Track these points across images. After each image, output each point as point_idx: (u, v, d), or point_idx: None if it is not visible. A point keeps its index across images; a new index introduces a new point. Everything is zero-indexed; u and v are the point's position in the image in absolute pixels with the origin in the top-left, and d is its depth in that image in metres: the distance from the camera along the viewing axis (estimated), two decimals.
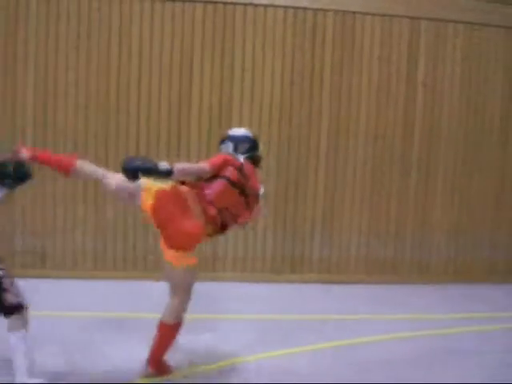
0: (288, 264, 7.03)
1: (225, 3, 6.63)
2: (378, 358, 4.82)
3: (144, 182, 4.07)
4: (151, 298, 6.09)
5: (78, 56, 6.57)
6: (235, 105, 6.76)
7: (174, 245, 4.04)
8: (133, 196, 4.14)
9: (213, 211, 4.09)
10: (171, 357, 4.34)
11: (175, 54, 6.66)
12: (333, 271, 7.09)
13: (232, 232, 6.73)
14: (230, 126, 6.61)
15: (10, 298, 3.85)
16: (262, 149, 4.61)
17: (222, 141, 4.57)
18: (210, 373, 4.44)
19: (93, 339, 4.94)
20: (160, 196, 4.08)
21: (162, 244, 4.12)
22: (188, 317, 4.30)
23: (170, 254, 4.06)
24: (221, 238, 6.78)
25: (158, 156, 6.61)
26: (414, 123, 7.13)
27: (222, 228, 4.24)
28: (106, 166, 6.46)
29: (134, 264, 6.81)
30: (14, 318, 3.86)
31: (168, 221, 4.04)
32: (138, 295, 6.21)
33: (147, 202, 4.08)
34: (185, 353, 4.69)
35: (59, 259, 6.73)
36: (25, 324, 3.88)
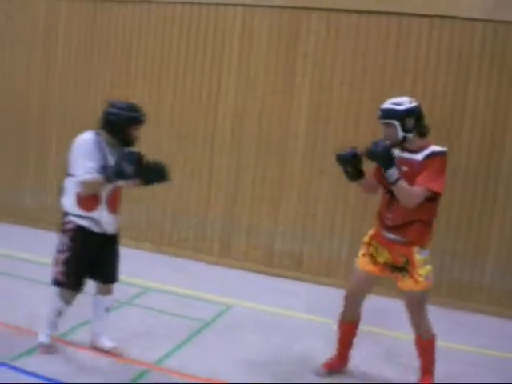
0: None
1: (507, 22, 6.30)
2: None
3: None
4: (396, 316, 6.11)
5: (354, 70, 6.77)
6: (509, 130, 6.38)
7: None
8: None
9: None
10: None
11: (451, 73, 6.51)
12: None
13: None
14: (500, 157, 6.41)
15: (54, 272, 4.26)
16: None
17: (382, 118, 4.13)
18: None
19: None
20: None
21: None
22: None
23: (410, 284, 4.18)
24: None
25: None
26: None
27: None
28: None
29: (385, 280, 6.80)
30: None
31: None
32: (381, 312, 6.22)
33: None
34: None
35: (315, 264, 7.01)
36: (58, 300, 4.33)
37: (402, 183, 3.94)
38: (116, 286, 6.13)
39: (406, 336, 4.80)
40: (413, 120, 4.08)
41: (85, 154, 4.13)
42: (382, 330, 5.59)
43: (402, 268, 4.15)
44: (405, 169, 4.06)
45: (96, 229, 4.22)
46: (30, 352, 4.35)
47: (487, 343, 5.56)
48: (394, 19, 6.60)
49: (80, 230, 4.18)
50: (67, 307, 4.41)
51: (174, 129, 7.48)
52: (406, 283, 4.15)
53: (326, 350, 4.76)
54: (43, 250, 7.03)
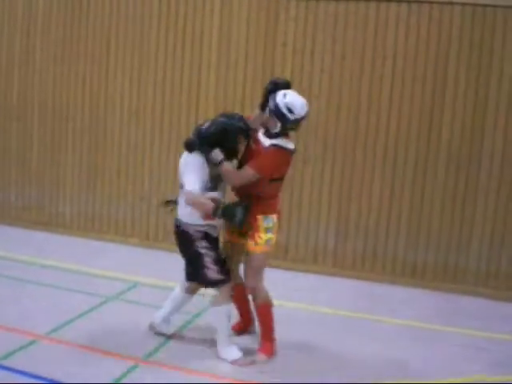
0: None
1: (484, 5, 6.32)
2: None
3: None
4: (386, 301, 6.16)
5: (333, 58, 6.78)
6: (490, 113, 6.42)
7: None
8: None
9: None
10: None
11: (430, 58, 6.53)
12: None
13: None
14: (482, 139, 6.46)
15: (210, 274, 4.37)
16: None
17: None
18: None
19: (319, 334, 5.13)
20: None
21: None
22: None
23: None
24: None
25: (406, 164, 6.60)
26: None
27: None
28: (354, 162, 6.75)
29: (372, 265, 6.85)
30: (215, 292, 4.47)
31: None
32: (372, 297, 6.28)
33: None
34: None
35: (301, 253, 7.03)
36: (225, 300, 4.42)
37: (226, 165, 4.32)
38: (103, 282, 6.18)
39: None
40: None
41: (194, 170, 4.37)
42: None
43: (246, 233, 4.49)
44: (253, 146, 4.46)
45: (214, 234, 4.50)
46: (18, 350, 4.34)
47: (475, 324, 5.63)
48: (372, 5, 6.58)
49: (206, 234, 4.43)
50: (232, 305, 4.56)
51: (156, 123, 7.45)
52: (248, 245, 4.49)
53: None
54: (27, 249, 7.04)
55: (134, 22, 7.42)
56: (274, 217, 4.53)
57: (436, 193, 6.59)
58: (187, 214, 4.39)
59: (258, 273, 4.53)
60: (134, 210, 7.62)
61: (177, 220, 4.53)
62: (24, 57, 7.96)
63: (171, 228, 7.06)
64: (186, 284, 4.70)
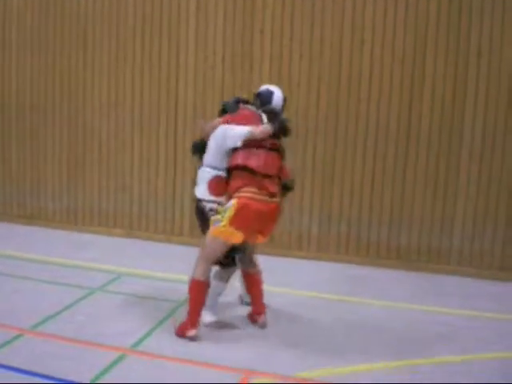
0: None
1: None
2: None
3: None
4: (372, 284, 6.19)
5: (312, 43, 6.76)
6: (469, 95, 6.44)
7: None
8: None
9: None
10: None
11: (408, 42, 6.53)
12: None
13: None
14: (462, 120, 6.48)
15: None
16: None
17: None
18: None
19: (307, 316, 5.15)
20: None
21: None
22: None
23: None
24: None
25: (387, 147, 6.62)
26: None
27: None
28: (335, 148, 6.76)
29: (356, 249, 6.88)
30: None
31: None
32: (357, 280, 6.31)
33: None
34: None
35: (286, 239, 7.04)
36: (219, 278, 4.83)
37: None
38: (87, 274, 6.15)
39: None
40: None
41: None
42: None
43: None
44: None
45: None
46: (3, 345, 4.31)
47: (459, 304, 5.68)
48: None
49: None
50: (225, 287, 4.88)
51: (136, 114, 7.41)
52: None
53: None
54: (10, 243, 7.00)
55: (110, 13, 7.36)
56: (234, 202, 4.44)
57: (418, 174, 6.63)
58: (201, 191, 4.67)
59: (203, 253, 4.56)
60: (117, 201, 7.60)
61: (196, 199, 4.76)
62: (0, 56, 7.86)
63: (154, 217, 7.13)
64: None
